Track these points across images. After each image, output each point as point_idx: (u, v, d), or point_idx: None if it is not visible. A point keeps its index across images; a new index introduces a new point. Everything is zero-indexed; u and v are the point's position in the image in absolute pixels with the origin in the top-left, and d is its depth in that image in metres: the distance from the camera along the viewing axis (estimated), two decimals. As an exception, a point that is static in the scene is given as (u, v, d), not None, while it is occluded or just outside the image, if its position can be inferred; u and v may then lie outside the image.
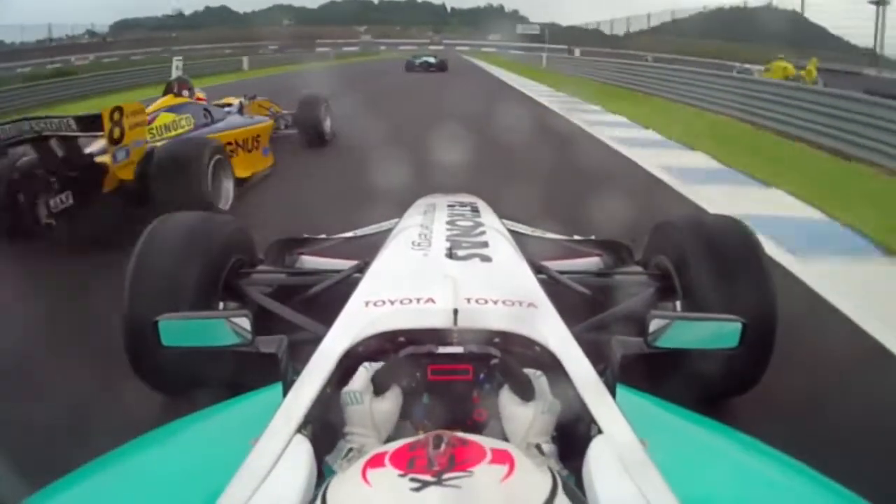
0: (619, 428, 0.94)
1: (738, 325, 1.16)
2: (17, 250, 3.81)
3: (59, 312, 2.85)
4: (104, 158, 3.91)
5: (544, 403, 0.97)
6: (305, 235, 3.05)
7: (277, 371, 1.18)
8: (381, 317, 1.23)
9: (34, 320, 2.67)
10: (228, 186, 4.70)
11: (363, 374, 1.04)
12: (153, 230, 2.14)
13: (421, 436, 0.59)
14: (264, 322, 1.99)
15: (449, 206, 2.40)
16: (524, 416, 0.96)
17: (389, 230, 2.36)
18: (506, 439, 0.98)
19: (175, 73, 6.87)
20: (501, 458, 0.55)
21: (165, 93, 5.76)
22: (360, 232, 3.10)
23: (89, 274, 3.17)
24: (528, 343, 1.13)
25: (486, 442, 0.58)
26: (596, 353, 1.21)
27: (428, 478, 0.51)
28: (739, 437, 1.21)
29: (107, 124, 3.63)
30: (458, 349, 1.10)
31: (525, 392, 0.99)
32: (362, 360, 1.14)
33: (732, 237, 2.17)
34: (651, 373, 1.70)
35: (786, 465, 1.11)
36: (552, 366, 1.09)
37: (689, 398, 1.33)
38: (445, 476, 0.51)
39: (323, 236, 3.08)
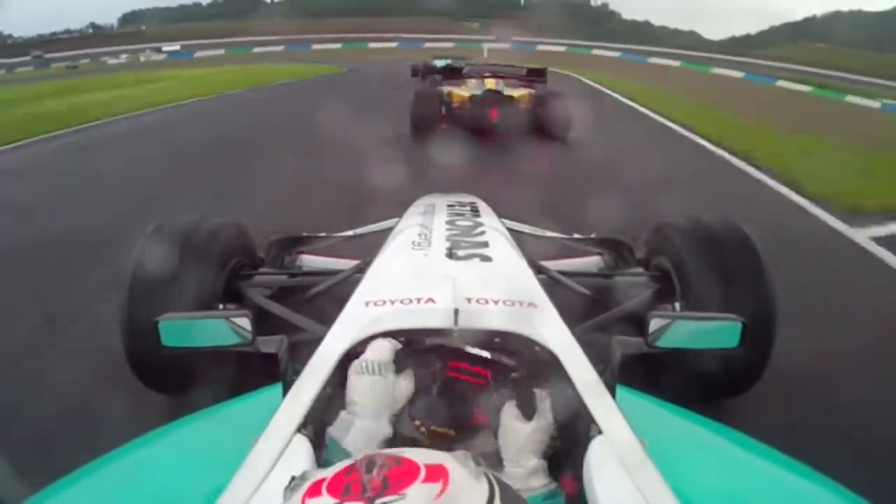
0: (619, 428, 0.94)
1: (738, 325, 1.16)
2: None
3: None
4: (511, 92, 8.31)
5: (544, 423, 0.98)
6: (305, 234, 3.05)
7: (277, 371, 1.18)
8: (381, 317, 1.23)
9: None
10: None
11: (386, 347, 1.04)
12: (154, 232, 2.14)
13: (357, 457, 0.59)
14: (265, 323, 1.99)
15: (449, 206, 2.40)
16: (522, 433, 0.97)
17: (389, 229, 2.36)
18: (497, 449, 0.99)
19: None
20: (435, 474, 0.55)
21: None
22: (359, 231, 3.10)
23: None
24: (528, 343, 1.13)
25: (421, 458, 0.58)
26: (596, 353, 1.21)
27: None
28: (739, 437, 1.21)
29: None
30: (484, 353, 1.10)
31: (529, 410, 0.99)
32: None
33: (731, 238, 2.17)
34: (650, 372, 1.70)
35: (786, 465, 1.11)
36: (552, 366, 1.09)
37: (689, 398, 1.33)
38: (378, 501, 0.52)
39: (323, 234, 3.08)
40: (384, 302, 1.31)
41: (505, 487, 0.59)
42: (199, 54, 41.91)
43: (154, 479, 1.05)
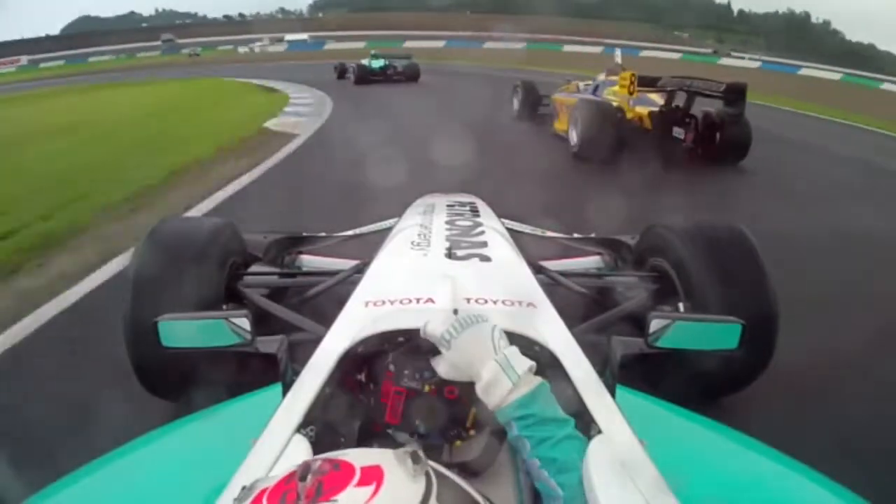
0: (619, 428, 0.94)
1: (738, 326, 1.16)
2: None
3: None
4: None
5: (440, 343, 0.97)
6: (304, 234, 3.05)
7: (277, 371, 1.19)
8: (380, 317, 1.23)
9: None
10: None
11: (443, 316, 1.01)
12: (153, 233, 2.14)
13: (299, 463, 0.60)
14: (264, 323, 1.99)
15: (448, 205, 2.40)
16: (443, 366, 0.96)
17: (388, 229, 2.36)
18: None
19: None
20: (369, 477, 0.56)
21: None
22: (359, 231, 3.10)
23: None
24: (527, 343, 1.13)
25: (360, 459, 0.59)
26: (596, 353, 1.21)
27: None
28: (739, 437, 1.21)
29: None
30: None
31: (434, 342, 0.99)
32: (362, 360, 1.14)
33: (729, 239, 2.18)
34: (650, 372, 1.70)
35: (786, 465, 1.11)
36: (552, 366, 1.09)
37: (688, 397, 1.33)
38: None
39: (322, 234, 3.08)
40: (383, 302, 1.31)
41: (446, 485, 0.60)
42: (329, 46, 40.22)
43: (154, 479, 1.05)
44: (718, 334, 1.19)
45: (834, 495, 1.01)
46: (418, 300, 1.29)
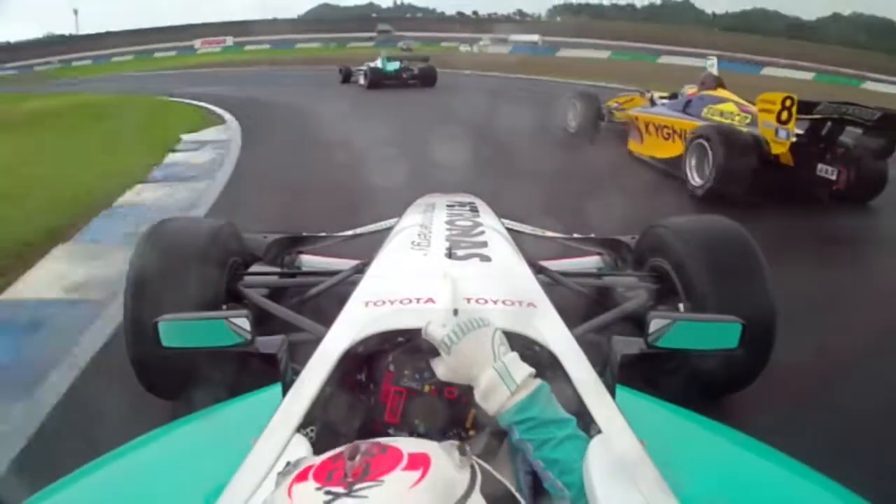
0: (619, 428, 0.94)
1: (738, 326, 1.16)
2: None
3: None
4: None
5: (441, 347, 0.97)
6: (305, 234, 3.05)
7: (277, 371, 1.19)
8: (380, 317, 1.23)
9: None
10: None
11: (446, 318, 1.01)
12: (152, 233, 2.14)
13: (348, 445, 0.61)
14: (264, 323, 1.99)
15: (448, 205, 2.40)
16: (443, 369, 0.96)
17: (388, 229, 2.36)
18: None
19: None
20: (417, 463, 0.57)
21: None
22: (359, 231, 3.10)
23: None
24: (528, 343, 1.13)
25: (408, 446, 0.60)
26: (596, 354, 1.21)
27: (340, 489, 0.54)
28: (739, 437, 1.21)
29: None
30: None
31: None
32: (362, 359, 1.14)
33: (729, 238, 2.18)
34: (650, 372, 1.70)
35: (786, 465, 1.11)
36: (552, 366, 1.09)
37: (688, 396, 1.33)
38: (356, 487, 0.54)
39: (322, 234, 3.08)
40: (384, 302, 1.31)
41: (488, 479, 0.60)
42: (563, 52, 35.71)
43: (154, 479, 1.05)
44: (718, 334, 1.19)
45: (834, 495, 1.01)
46: (418, 300, 1.29)
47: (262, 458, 0.88)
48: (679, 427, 1.22)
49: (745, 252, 2.09)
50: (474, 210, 2.37)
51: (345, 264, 2.55)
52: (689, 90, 6.90)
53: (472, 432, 1.06)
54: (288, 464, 0.61)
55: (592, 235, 3.08)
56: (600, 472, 0.84)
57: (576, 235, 3.14)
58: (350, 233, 3.11)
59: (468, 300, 1.28)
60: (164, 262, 2.00)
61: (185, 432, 1.20)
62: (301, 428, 0.94)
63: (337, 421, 1.04)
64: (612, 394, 1.04)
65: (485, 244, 1.87)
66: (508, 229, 2.36)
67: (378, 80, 15.58)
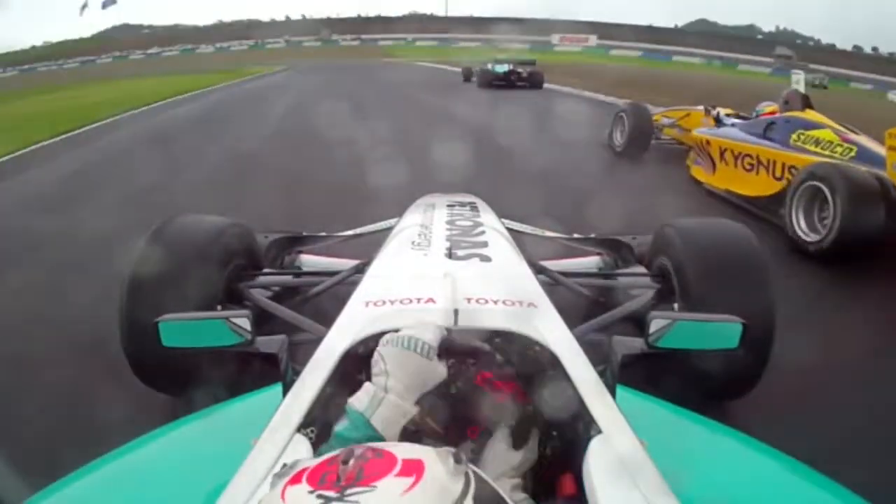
0: (619, 428, 0.94)
1: (739, 327, 1.16)
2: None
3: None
4: None
5: (531, 456, 0.98)
6: (305, 234, 3.05)
7: (277, 371, 1.19)
8: (381, 317, 1.23)
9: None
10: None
11: (435, 330, 1.00)
12: (155, 233, 2.14)
13: (344, 448, 0.61)
14: (265, 323, 1.99)
15: (448, 205, 2.40)
16: (509, 460, 0.97)
17: (389, 229, 2.36)
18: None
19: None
20: (410, 469, 0.57)
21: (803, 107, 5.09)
22: (359, 230, 3.10)
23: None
24: (528, 343, 1.13)
25: (402, 452, 0.60)
26: (596, 354, 1.21)
27: (332, 493, 0.53)
28: (739, 436, 1.21)
29: None
30: (510, 370, 1.08)
31: (519, 441, 0.99)
32: (363, 360, 1.14)
33: (732, 241, 2.17)
34: (650, 372, 1.70)
35: (786, 465, 1.11)
36: (552, 366, 1.09)
37: (687, 398, 1.33)
38: (348, 491, 0.53)
39: (322, 234, 3.09)
40: (384, 302, 1.31)
41: (483, 488, 0.60)
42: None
43: (154, 479, 1.05)
44: (719, 334, 1.19)
45: (834, 495, 1.01)
46: (419, 300, 1.29)
47: (262, 458, 0.88)
48: (679, 427, 1.22)
49: (746, 255, 2.09)
50: (475, 210, 2.37)
51: (345, 264, 2.55)
52: (768, 108, 5.88)
53: (476, 433, 1.06)
54: (284, 465, 0.61)
55: (593, 235, 3.09)
56: (600, 472, 0.84)
57: (576, 235, 3.14)
58: (350, 233, 3.11)
59: (468, 300, 1.28)
60: (164, 262, 2.00)
61: (185, 432, 1.20)
62: (301, 428, 0.94)
63: (337, 421, 1.04)
64: (613, 394, 1.04)
65: (485, 244, 1.87)
66: (509, 229, 2.36)
67: (488, 81, 17.26)
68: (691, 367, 1.65)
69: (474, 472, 0.61)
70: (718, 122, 6.34)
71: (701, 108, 6.85)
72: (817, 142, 4.78)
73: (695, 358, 1.47)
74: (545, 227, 3.17)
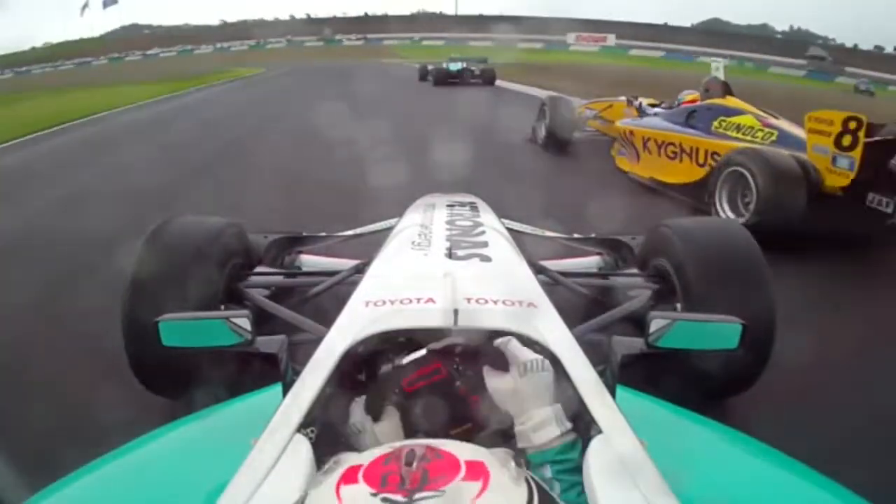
0: (619, 428, 0.94)
1: (738, 327, 1.16)
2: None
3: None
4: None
5: (519, 367, 0.98)
6: (304, 234, 3.05)
7: (278, 371, 1.19)
8: (381, 317, 1.23)
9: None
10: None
11: (357, 407, 1.04)
12: (154, 233, 2.14)
13: (396, 445, 0.58)
14: (265, 323, 1.99)
15: (448, 205, 2.41)
16: (506, 386, 0.97)
17: (389, 229, 2.36)
18: (504, 417, 0.98)
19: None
20: (475, 472, 0.54)
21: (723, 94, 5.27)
22: (359, 231, 3.10)
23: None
24: (528, 342, 1.13)
25: (461, 453, 0.58)
26: (596, 354, 1.21)
27: (399, 498, 0.51)
28: (739, 437, 1.21)
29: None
30: (421, 352, 1.06)
31: (497, 362, 1.00)
32: (362, 359, 1.14)
33: (730, 240, 2.17)
34: (650, 372, 1.70)
35: (786, 465, 1.11)
36: (552, 366, 1.09)
37: (686, 398, 1.33)
38: (417, 496, 0.51)
39: (322, 234, 3.08)
40: (384, 302, 1.31)
41: (544, 493, 0.58)
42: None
43: (154, 479, 1.05)
44: (718, 334, 1.18)
45: (834, 496, 1.01)
46: (419, 300, 1.29)
47: (262, 458, 0.88)
48: (679, 427, 1.22)
49: (745, 254, 2.09)
50: (474, 210, 2.37)
51: (345, 264, 2.55)
52: (688, 97, 6.02)
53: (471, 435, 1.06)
54: (326, 461, 0.58)
55: (593, 235, 3.09)
56: (600, 472, 0.84)
57: (576, 235, 3.14)
58: (350, 233, 3.11)
59: (468, 300, 1.27)
60: (163, 262, 2.00)
61: (185, 432, 1.20)
62: (301, 428, 0.94)
63: (337, 421, 1.04)
64: (613, 394, 1.04)
65: (485, 244, 1.87)
66: (509, 229, 2.36)
67: (443, 78, 18.40)
68: (691, 367, 1.65)
69: (534, 479, 0.59)
70: (641, 112, 6.40)
71: (623, 98, 6.93)
72: (738, 128, 4.95)
73: (695, 358, 1.47)
74: (545, 227, 3.17)
